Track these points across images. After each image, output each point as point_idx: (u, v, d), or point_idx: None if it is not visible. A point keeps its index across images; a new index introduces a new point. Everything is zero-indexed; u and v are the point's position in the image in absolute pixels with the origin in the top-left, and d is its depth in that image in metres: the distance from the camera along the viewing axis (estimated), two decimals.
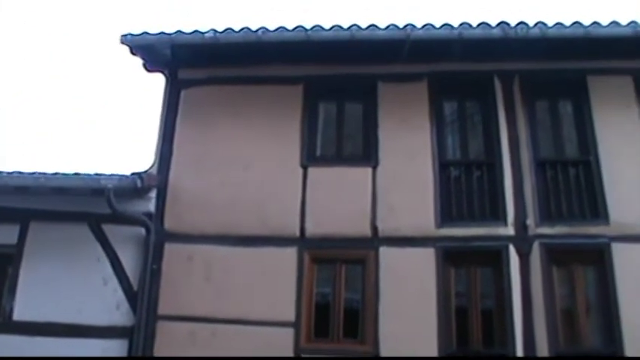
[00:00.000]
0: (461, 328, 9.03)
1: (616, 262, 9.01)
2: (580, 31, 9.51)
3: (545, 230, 9.23)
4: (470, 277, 9.27)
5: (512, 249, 9.12)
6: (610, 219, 9.20)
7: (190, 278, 9.31)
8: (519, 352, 8.74)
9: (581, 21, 9.54)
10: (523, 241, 9.18)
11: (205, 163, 9.85)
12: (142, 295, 9.19)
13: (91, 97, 28.51)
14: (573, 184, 9.54)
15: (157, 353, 8.99)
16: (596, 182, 9.40)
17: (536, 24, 9.57)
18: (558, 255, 9.17)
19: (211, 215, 9.53)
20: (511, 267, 9.05)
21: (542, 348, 8.76)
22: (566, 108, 10.12)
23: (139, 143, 29.09)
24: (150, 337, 9.05)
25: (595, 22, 9.53)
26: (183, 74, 10.42)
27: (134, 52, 10.15)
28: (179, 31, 9.89)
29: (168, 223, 9.59)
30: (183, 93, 10.27)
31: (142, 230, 9.49)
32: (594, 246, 9.14)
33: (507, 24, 9.59)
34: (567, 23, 9.55)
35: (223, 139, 9.96)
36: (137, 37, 9.95)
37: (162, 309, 9.21)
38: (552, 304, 8.97)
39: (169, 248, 9.47)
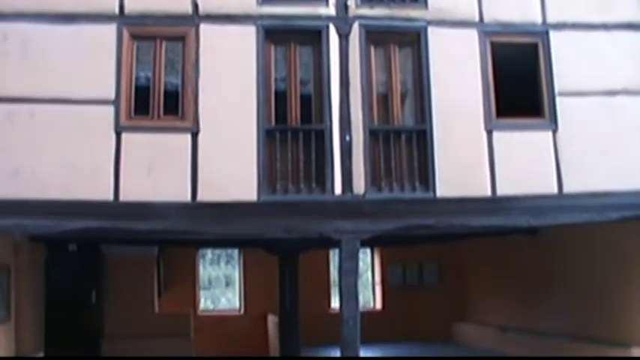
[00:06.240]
0: (280, 105, 9.21)
1: (431, 45, 9.37)
2: None
3: (366, 11, 9.36)
4: (290, 55, 9.36)
5: (332, 29, 9.24)
6: (428, 3, 9.46)
7: (6, 59, 8.82)
8: (335, 129, 9.09)
9: None
10: (343, 21, 9.30)
11: None
12: None
13: None
14: None
15: None
16: None
17: None
18: (377, 36, 9.41)
19: None
20: (330, 46, 9.21)
21: (357, 125, 9.15)
22: None
23: None
24: None
25: None
26: None
27: None
28: None
29: None
30: None
31: None
32: (412, 29, 9.43)
33: None
34: None
35: None
36: None
37: None
38: (369, 84, 9.31)
39: None
